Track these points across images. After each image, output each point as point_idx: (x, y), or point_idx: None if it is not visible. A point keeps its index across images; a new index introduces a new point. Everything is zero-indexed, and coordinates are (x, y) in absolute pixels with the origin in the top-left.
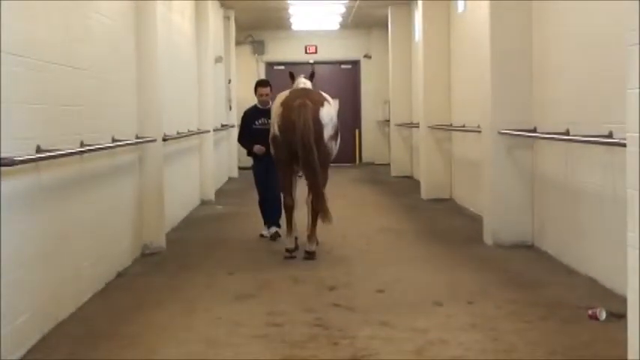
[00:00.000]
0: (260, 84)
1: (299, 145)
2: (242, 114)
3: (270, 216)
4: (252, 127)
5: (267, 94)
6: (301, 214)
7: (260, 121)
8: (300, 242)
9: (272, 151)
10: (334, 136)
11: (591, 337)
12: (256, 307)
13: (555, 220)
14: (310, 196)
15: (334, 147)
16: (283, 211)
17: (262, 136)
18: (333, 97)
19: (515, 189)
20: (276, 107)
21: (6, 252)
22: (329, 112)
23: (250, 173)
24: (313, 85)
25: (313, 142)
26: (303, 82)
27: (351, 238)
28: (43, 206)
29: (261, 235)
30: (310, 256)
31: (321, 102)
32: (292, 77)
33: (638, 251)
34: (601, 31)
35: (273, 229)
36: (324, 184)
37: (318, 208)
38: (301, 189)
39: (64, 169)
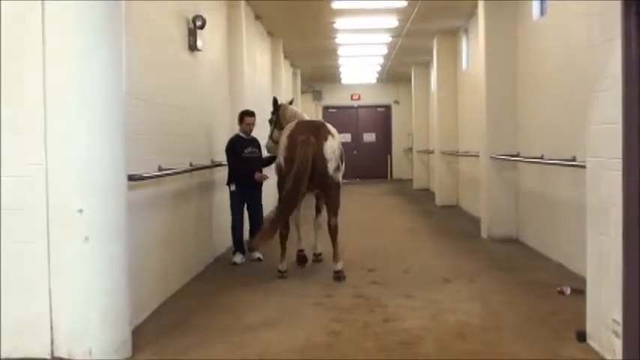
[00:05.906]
0: (246, 114)
1: (290, 177)
2: (229, 142)
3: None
4: (241, 155)
5: (253, 124)
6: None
7: (248, 150)
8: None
9: (277, 178)
10: (338, 167)
11: (559, 307)
12: (315, 284)
13: (533, 220)
14: (319, 218)
15: (339, 175)
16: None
17: (252, 163)
18: (368, 132)
19: (504, 198)
20: (283, 138)
21: (133, 244)
22: (332, 145)
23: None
24: (283, 112)
25: (306, 179)
26: (299, 112)
27: (384, 234)
28: (160, 210)
29: (234, 263)
30: (339, 274)
31: (325, 137)
32: (275, 102)
33: (593, 244)
34: (567, 84)
35: (256, 255)
36: (336, 209)
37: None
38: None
39: (178, 183)
